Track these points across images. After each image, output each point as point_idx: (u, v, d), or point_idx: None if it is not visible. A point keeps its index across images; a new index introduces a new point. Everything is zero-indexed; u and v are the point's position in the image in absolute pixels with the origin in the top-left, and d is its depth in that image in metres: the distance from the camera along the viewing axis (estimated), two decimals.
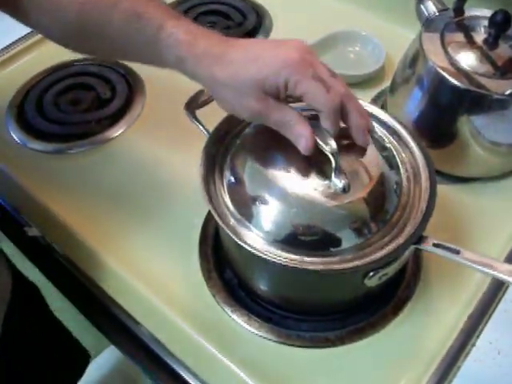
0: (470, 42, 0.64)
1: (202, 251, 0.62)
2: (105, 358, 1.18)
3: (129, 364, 1.13)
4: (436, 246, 0.48)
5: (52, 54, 0.84)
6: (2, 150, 0.73)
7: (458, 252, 0.47)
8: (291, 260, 0.46)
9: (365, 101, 0.56)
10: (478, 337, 0.54)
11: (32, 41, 0.87)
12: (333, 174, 0.47)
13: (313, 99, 0.46)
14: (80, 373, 0.92)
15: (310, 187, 0.48)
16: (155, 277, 0.60)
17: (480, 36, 0.64)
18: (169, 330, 0.59)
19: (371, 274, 0.48)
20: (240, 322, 0.57)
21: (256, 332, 0.56)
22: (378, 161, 0.52)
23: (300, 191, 0.48)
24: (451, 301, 0.57)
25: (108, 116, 0.76)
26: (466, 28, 0.65)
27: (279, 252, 0.47)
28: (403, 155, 0.55)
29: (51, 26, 0.56)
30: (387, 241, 0.47)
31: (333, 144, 0.47)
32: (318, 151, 0.48)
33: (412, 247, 0.49)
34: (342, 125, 0.49)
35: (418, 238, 0.48)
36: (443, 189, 0.65)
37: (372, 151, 0.52)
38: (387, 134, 0.56)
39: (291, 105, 0.49)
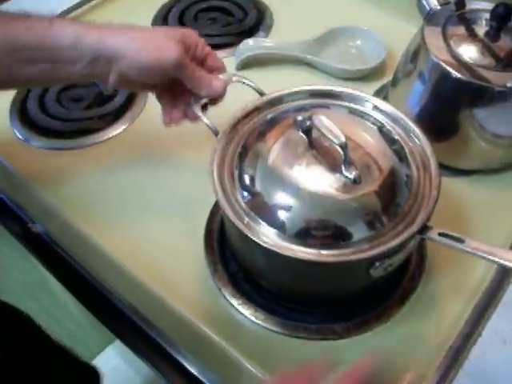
0: (472, 35, 0.64)
1: (208, 245, 0.62)
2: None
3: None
4: (441, 235, 0.48)
5: None
6: (6, 146, 0.73)
7: (462, 241, 0.47)
8: (304, 253, 0.47)
9: (368, 94, 0.56)
10: (483, 327, 0.54)
11: None
12: (343, 166, 0.48)
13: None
14: None
15: (321, 181, 0.48)
16: (160, 271, 0.60)
17: (482, 29, 0.64)
18: (175, 323, 0.59)
19: (377, 264, 0.48)
20: (247, 315, 0.57)
21: (263, 324, 0.56)
22: (387, 154, 0.52)
23: (311, 186, 0.48)
24: (456, 291, 0.57)
25: (110, 113, 0.76)
26: (467, 21, 0.65)
27: (293, 246, 0.47)
28: (411, 145, 0.55)
29: None
30: (400, 230, 0.48)
31: (341, 136, 0.47)
32: (326, 145, 0.48)
33: (417, 237, 0.49)
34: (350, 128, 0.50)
35: (423, 227, 0.48)
36: (445, 181, 0.64)
37: (381, 144, 0.53)
38: (394, 126, 0.56)
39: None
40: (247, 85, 0.58)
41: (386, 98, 0.75)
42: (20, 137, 0.74)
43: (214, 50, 0.60)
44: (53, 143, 0.73)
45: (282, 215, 0.48)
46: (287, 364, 0.54)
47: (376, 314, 0.56)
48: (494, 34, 0.63)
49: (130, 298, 0.63)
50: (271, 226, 0.48)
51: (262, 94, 0.58)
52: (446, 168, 0.68)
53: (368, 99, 0.58)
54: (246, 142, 0.54)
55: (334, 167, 0.49)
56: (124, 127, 0.75)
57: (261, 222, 0.49)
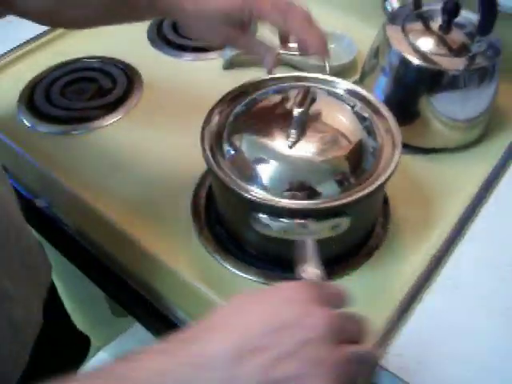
0: (428, 29, 0.74)
1: (195, 211, 0.69)
2: (113, 347, 1.22)
3: None
4: None
5: (60, 52, 0.94)
6: (15, 132, 0.81)
7: None
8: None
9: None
10: (438, 275, 0.61)
11: (43, 40, 0.96)
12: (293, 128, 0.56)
13: (274, 24, 0.58)
14: (81, 358, 0.95)
15: (300, 147, 0.57)
16: (154, 232, 0.67)
17: (436, 23, 0.73)
18: (165, 277, 0.66)
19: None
20: (230, 268, 0.64)
21: (245, 275, 0.63)
22: (358, 128, 0.60)
23: (289, 152, 0.56)
24: (416, 248, 0.65)
25: (108, 104, 0.85)
26: (424, 18, 0.75)
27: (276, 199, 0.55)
28: (377, 121, 0.63)
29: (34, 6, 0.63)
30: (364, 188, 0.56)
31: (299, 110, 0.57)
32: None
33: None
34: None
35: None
36: (407, 159, 0.74)
37: (353, 120, 0.61)
38: (366, 108, 0.64)
39: None
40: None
41: None
42: (27, 124, 0.82)
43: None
44: (57, 129, 0.81)
45: (266, 178, 0.56)
46: None
47: (344, 266, 0.64)
48: (446, 27, 0.72)
49: (124, 259, 0.70)
50: (253, 184, 0.56)
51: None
52: (408, 147, 0.75)
53: (343, 84, 0.66)
54: (231, 121, 0.62)
55: (309, 136, 0.57)
56: (120, 116, 0.83)
57: (244, 181, 0.56)
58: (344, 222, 0.55)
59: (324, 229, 0.55)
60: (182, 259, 0.65)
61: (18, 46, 0.95)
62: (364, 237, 0.66)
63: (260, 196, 0.55)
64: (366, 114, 0.62)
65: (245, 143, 0.59)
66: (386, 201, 0.69)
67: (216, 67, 0.91)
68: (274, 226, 0.55)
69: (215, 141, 0.60)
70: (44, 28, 0.95)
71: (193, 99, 0.77)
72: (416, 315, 0.57)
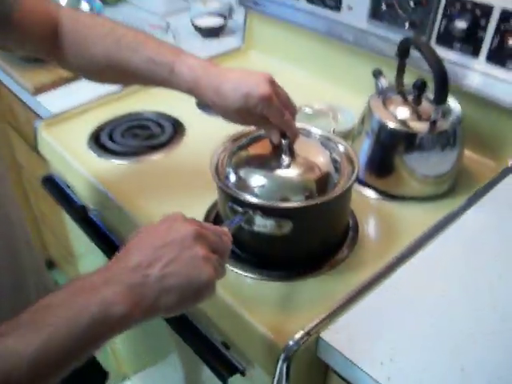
0: (404, 101, 0.93)
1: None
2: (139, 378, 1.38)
3: None
4: None
5: (124, 106, 1.20)
6: (84, 160, 1.05)
7: None
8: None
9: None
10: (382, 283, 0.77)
11: (112, 96, 1.23)
12: (283, 154, 0.77)
13: (276, 121, 0.77)
14: None
15: (282, 172, 0.77)
16: None
17: (411, 97, 0.93)
18: None
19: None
20: (245, 274, 0.80)
21: (244, 273, 0.80)
22: (328, 165, 0.80)
23: (275, 174, 0.78)
24: (370, 264, 0.81)
25: (156, 145, 1.08)
26: (402, 93, 0.95)
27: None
28: (345, 165, 0.82)
29: (85, 68, 0.87)
30: None
31: (286, 142, 0.78)
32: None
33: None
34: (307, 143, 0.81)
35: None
36: (384, 203, 0.92)
37: (326, 159, 0.81)
38: (340, 153, 0.84)
39: None
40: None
41: None
42: (94, 154, 1.06)
43: None
44: (115, 159, 1.05)
45: (256, 191, 0.76)
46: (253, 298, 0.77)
47: (309, 270, 0.80)
48: (417, 99, 0.92)
49: None
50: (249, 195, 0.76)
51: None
52: (385, 193, 0.94)
53: (330, 137, 0.87)
54: (236, 149, 0.84)
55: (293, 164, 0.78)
56: (164, 155, 1.06)
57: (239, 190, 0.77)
58: (287, 225, 0.74)
59: (270, 225, 0.74)
60: None
61: (94, 98, 1.22)
62: (324, 250, 0.82)
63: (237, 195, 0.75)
64: (338, 157, 0.82)
65: (242, 167, 0.80)
66: (356, 229, 0.87)
67: None
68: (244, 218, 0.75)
69: (221, 164, 0.82)
70: (113, 87, 1.22)
71: None
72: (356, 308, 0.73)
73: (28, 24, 0.81)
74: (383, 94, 0.96)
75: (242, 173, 0.79)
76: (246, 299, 0.76)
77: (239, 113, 0.78)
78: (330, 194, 0.76)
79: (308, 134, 0.87)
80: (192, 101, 1.22)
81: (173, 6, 1.71)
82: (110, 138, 1.11)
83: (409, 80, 0.94)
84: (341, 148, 0.84)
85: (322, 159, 0.81)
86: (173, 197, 0.96)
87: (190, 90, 0.81)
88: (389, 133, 0.92)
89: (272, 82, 0.78)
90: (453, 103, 0.93)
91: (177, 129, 1.14)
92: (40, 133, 1.15)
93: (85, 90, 1.25)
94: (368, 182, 0.96)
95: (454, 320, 0.71)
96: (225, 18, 1.56)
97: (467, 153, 0.97)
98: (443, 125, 0.89)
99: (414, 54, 0.90)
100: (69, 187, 1.12)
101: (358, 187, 0.96)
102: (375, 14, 1.08)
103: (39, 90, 1.30)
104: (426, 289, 0.76)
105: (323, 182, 0.78)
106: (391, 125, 0.91)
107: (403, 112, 0.92)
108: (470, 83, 0.96)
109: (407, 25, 1.02)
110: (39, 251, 1.78)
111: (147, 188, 0.99)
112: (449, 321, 0.71)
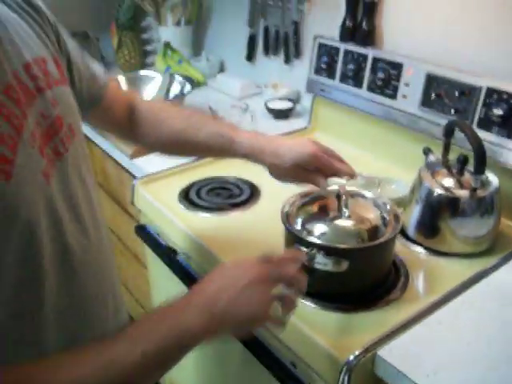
0: (449, 173, 1.11)
1: None
2: None
3: None
4: None
5: (209, 171, 1.42)
6: (175, 212, 1.26)
7: None
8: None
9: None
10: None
11: (200, 162, 1.46)
12: (342, 207, 0.95)
13: (327, 170, 0.98)
14: None
15: (340, 223, 0.96)
16: None
17: (455, 169, 1.11)
18: None
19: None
20: (309, 304, 0.97)
21: (312, 305, 0.97)
22: (378, 220, 0.98)
23: (334, 224, 0.96)
24: (415, 305, 0.96)
25: (235, 203, 1.29)
26: (447, 166, 1.13)
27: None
28: (392, 221, 1.00)
29: (159, 146, 1.09)
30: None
31: (343, 198, 0.96)
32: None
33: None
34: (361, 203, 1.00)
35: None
36: (431, 259, 1.09)
37: (375, 215, 0.99)
38: (388, 211, 1.01)
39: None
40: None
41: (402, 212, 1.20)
42: (183, 207, 1.27)
43: None
44: (202, 212, 1.25)
45: (318, 234, 0.95)
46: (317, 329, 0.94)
47: (363, 303, 0.96)
48: (460, 171, 1.09)
49: None
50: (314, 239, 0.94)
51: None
52: (432, 250, 1.10)
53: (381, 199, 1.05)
54: (303, 203, 1.03)
55: (350, 216, 0.96)
56: (241, 212, 1.26)
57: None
58: (344, 263, 0.91)
59: (330, 263, 0.91)
60: None
61: (182, 163, 1.45)
62: (377, 289, 0.98)
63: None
64: (386, 215, 1.00)
65: (307, 217, 0.99)
66: (407, 276, 1.03)
67: None
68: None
69: (290, 214, 1.01)
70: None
71: None
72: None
73: (110, 111, 1.03)
74: (431, 168, 1.14)
75: (307, 222, 0.98)
76: (311, 324, 0.92)
77: (294, 169, 0.99)
78: (378, 241, 0.94)
79: (363, 196, 1.05)
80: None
81: (248, 90, 1.97)
82: (197, 195, 1.32)
83: (453, 157, 1.12)
84: (388, 208, 1.02)
85: (372, 215, 1.00)
86: (248, 244, 1.14)
87: (246, 156, 1.03)
88: (435, 198, 1.09)
89: (317, 143, 1.00)
90: (491, 176, 1.10)
91: (253, 191, 1.34)
92: (137, 189, 1.38)
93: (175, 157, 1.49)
94: (417, 241, 1.13)
95: (487, 342, 0.86)
96: (293, 102, 1.79)
97: (504, 220, 1.13)
98: (482, 193, 1.06)
99: (458, 134, 1.09)
100: (158, 234, 1.33)
101: (409, 245, 1.13)
102: (426, 102, 1.29)
103: (136, 154, 1.54)
104: (462, 323, 0.91)
105: (373, 233, 0.96)
106: (438, 191, 1.08)
107: (448, 182, 1.10)
108: (506, 160, 1.13)
109: (453, 111, 1.22)
110: None
111: (227, 236, 1.18)
112: (483, 343, 0.86)
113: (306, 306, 0.96)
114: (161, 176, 1.42)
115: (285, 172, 1.01)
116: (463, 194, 1.07)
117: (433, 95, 1.27)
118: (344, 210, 0.97)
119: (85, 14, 2.37)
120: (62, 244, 0.70)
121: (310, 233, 0.95)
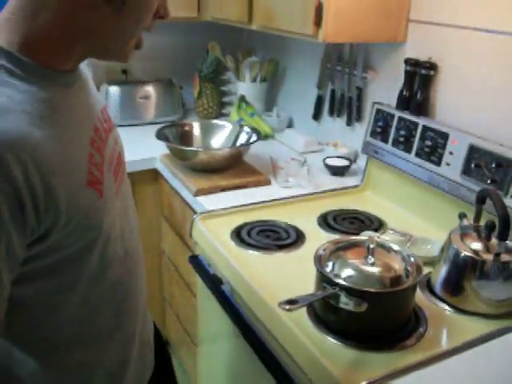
0: (477, 237, 1.20)
1: (310, 309, 1.18)
2: None
3: None
4: None
5: (260, 215, 1.56)
6: (226, 247, 1.40)
7: None
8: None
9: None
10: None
11: (250, 207, 1.60)
12: (369, 255, 1.06)
13: None
14: None
15: (366, 268, 1.07)
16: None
17: (482, 233, 1.19)
18: (285, 336, 1.13)
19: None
20: (330, 339, 1.08)
21: (338, 343, 1.07)
22: (401, 271, 1.09)
23: (362, 269, 1.07)
24: (436, 348, 1.05)
25: (282, 245, 1.41)
26: (477, 230, 1.21)
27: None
28: (414, 273, 1.09)
29: None
30: None
31: (371, 248, 1.07)
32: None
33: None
34: (389, 254, 1.10)
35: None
36: (453, 315, 1.16)
37: (400, 265, 1.09)
38: (412, 264, 1.11)
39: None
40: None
41: (431, 271, 1.29)
42: (234, 244, 1.41)
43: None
44: (250, 250, 1.39)
45: (345, 277, 1.06)
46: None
47: (383, 345, 1.05)
48: (487, 236, 1.17)
49: (269, 324, 1.19)
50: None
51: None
52: (455, 308, 1.18)
53: (403, 250, 1.15)
54: (335, 249, 1.15)
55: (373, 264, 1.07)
56: (288, 253, 1.39)
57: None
58: (363, 304, 1.00)
59: (351, 303, 1.01)
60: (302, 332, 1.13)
61: (238, 205, 1.60)
62: (394, 334, 1.07)
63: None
64: (410, 268, 1.10)
65: (337, 261, 1.10)
66: (426, 327, 1.11)
67: None
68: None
69: (323, 257, 1.12)
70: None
71: None
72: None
73: None
74: (462, 231, 1.23)
75: (336, 265, 1.09)
76: (328, 355, 1.03)
77: None
78: (397, 288, 1.04)
79: (392, 249, 1.15)
80: (313, 217, 1.57)
81: (311, 146, 2.12)
82: (248, 234, 1.46)
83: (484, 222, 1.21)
84: (413, 261, 1.12)
85: (398, 266, 1.10)
86: (285, 282, 1.26)
87: None
88: (462, 259, 1.18)
89: None
90: None
91: (299, 236, 1.47)
92: (196, 223, 1.53)
93: (233, 198, 1.66)
94: (443, 297, 1.21)
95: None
96: (350, 161, 1.92)
97: None
98: (506, 258, 1.14)
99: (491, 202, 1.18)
100: (209, 265, 1.47)
101: (435, 300, 1.21)
102: (466, 170, 1.39)
103: (199, 193, 1.71)
104: (468, 372, 0.98)
105: (395, 281, 1.06)
106: (464, 253, 1.17)
107: (475, 245, 1.18)
108: None
109: (489, 181, 1.31)
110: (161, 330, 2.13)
111: (269, 273, 1.30)
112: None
113: (327, 340, 1.07)
114: (218, 214, 1.57)
115: None
116: (488, 257, 1.15)
117: (473, 165, 1.37)
118: (370, 257, 1.07)
119: (172, 64, 2.63)
120: (124, 249, 0.89)
121: (337, 275, 1.07)
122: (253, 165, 1.92)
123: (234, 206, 1.60)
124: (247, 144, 1.91)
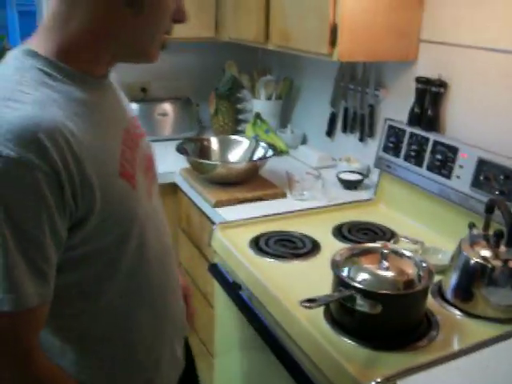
0: (486, 245, 1.25)
1: (327, 312, 1.23)
2: None
3: None
4: None
5: (278, 226, 1.62)
6: (245, 256, 1.46)
7: None
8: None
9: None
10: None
11: (268, 218, 1.67)
12: (383, 260, 1.12)
13: None
14: None
15: (380, 272, 1.13)
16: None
17: (491, 242, 1.25)
18: (303, 338, 1.19)
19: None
20: (346, 340, 1.14)
21: (348, 341, 1.13)
22: (414, 275, 1.14)
23: (377, 273, 1.12)
24: (447, 349, 1.10)
25: (298, 254, 1.47)
26: (486, 238, 1.27)
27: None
28: (426, 277, 1.15)
29: None
30: None
31: (384, 254, 1.13)
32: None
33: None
34: (403, 260, 1.16)
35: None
36: (463, 319, 1.21)
37: (414, 270, 1.15)
38: (424, 269, 1.17)
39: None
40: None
41: (442, 279, 1.34)
42: (252, 252, 1.48)
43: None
44: (268, 258, 1.45)
45: (361, 281, 1.11)
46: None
47: (395, 345, 1.11)
48: (496, 244, 1.23)
49: (288, 327, 1.25)
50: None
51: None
52: (465, 312, 1.23)
53: (415, 256, 1.21)
54: (350, 255, 1.21)
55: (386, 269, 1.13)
56: (300, 261, 1.45)
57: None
58: (378, 306, 1.06)
59: (366, 305, 1.07)
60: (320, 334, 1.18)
61: (257, 216, 1.67)
62: (407, 335, 1.13)
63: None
64: (422, 272, 1.15)
65: (352, 266, 1.16)
66: (438, 330, 1.16)
67: None
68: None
69: (339, 263, 1.18)
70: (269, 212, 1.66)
71: None
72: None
73: None
74: (472, 239, 1.29)
75: (352, 270, 1.15)
76: (345, 355, 1.08)
77: None
78: (409, 290, 1.10)
79: (405, 255, 1.21)
80: (328, 229, 1.63)
81: (325, 162, 2.19)
82: (266, 243, 1.52)
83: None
84: (425, 266, 1.18)
85: (411, 271, 1.16)
86: (302, 288, 1.31)
87: None
88: (471, 266, 1.23)
89: None
90: None
91: (314, 246, 1.53)
92: (215, 232, 1.60)
93: (250, 210, 1.73)
94: (454, 303, 1.26)
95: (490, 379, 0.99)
96: (363, 175, 1.99)
97: None
98: None
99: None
100: (227, 272, 1.53)
101: (446, 306, 1.26)
102: (476, 183, 1.45)
103: (218, 204, 1.77)
104: (478, 370, 1.03)
105: (408, 285, 1.12)
106: (473, 260, 1.22)
107: (484, 252, 1.24)
108: None
109: (497, 192, 1.37)
110: None
111: (287, 280, 1.36)
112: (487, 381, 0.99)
113: (344, 341, 1.12)
114: (237, 224, 1.64)
115: None
116: (496, 263, 1.20)
117: (482, 177, 1.43)
118: (384, 262, 1.13)
119: (190, 82, 2.73)
120: (159, 241, 0.98)
121: (353, 279, 1.12)
122: (268, 179, 1.99)
123: (252, 217, 1.67)
124: (264, 158, 1.98)
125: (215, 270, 1.58)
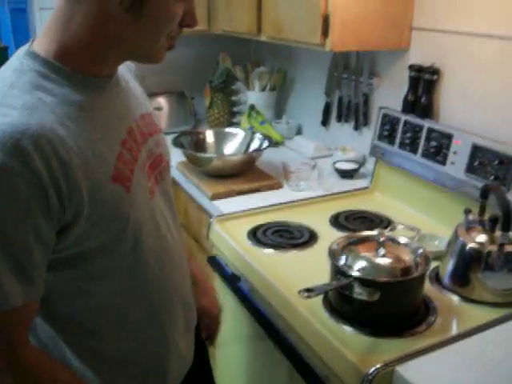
0: (482, 230, 1.26)
1: (325, 301, 1.24)
2: None
3: None
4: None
5: (274, 217, 1.63)
6: (244, 248, 1.47)
7: None
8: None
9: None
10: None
11: (264, 209, 1.68)
12: (380, 248, 1.13)
13: None
14: None
15: (377, 260, 1.14)
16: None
17: (487, 227, 1.26)
18: (310, 333, 1.20)
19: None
20: (345, 327, 1.15)
21: (353, 331, 1.14)
22: (411, 261, 1.15)
23: (374, 260, 1.13)
24: (445, 334, 1.11)
25: (295, 244, 1.49)
26: (482, 223, 1.28)
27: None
28: (423, 263, 1.16)
29: None
30: None
31: (381, 240, 1.14)
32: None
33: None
34: (399, 247, 1.17)
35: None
36: (462, 305, 1.23)
37: (409, 257, 1.16)
38: (421, 255, 1.18)
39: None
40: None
41: (440, 265, 1.35)
42: (250, 243, 1.49)
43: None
44: (266, 249, 1.46)
45: (358, 269, 1.13)
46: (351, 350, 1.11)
47: (392, 331, 1.12)
48: (491, 228, 1.24)
49: (288, 316, 1.26)
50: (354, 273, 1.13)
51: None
52: (463, 297, 1.24)
53: (411, 242, 1.22)
54: (348, 243, 1.22)
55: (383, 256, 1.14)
56: (301, 251, 1.46)
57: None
58: (375, 293, 1.07)
59: (364, 293, 1.08)
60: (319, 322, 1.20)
61: (254, 207, 1.68)
62: (406, 322, 1.14)
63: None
64: (418, 259, 1.17)
65: (350, 254, 1.17)
66: (436, 315, 1.17)
67: None
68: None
69: (336, 251, 1.19)
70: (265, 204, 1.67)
71: None
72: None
73: None
74: (468, 225, 1.30)
75: (349, 258, 1.16)
76: (344, 342, 1.09)
77: None
78: (406, 277, 1.11)
79: (401, 242, 1.22)
80: (325, 218, 1.64)
81: (320, 152, 2.20)
82: (264, 234, 1.53)
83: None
84: (421, 252, 1.19)
85: (407, 258, 1.17)
86: (300, 277, 1.32)
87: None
88: (468, 251, 1.24)
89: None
90: None
91: (312, 236, 1.54)
92: (213, 225, 1.61)
93: (247, 202, 1.74)
94: (451, 289, 1.27)
95: (497, 374, 1.00)
96: (359, 164, 1.99)
97: None
98: (510, 248, 1.21)
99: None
100: (226, 264, 1.54)
101: (444, 291, 1.28)
102: (470, 168, 1.46)
103: (215, 197, 1.78)
104: (476, 353, 1.05)
105: (405, 271, 1.13)
106: (470, 245, 1.24)
107: (480, 237, 1.25)
108: None
109: (492, 177, 1.38)
110: None
111: (285, 269, 1.38)
112: (491, 373, 1.00)
113: (343, 328, 1.13)
114: (235, 216, 1.65)
115: None
116: (492, 248, 1.21)
117: (477, 163, 1.44)
118: (381, 250, 1.14)
119: (184, 76, 2.73)
120: (159, 239, 0.97)
121: (350, 267, 1.14)
122: (264, 170, 2.00)
123: (249, 209, 1.68)
124: (259, 150, 1.99)
125: (214, 263, 1.59)
